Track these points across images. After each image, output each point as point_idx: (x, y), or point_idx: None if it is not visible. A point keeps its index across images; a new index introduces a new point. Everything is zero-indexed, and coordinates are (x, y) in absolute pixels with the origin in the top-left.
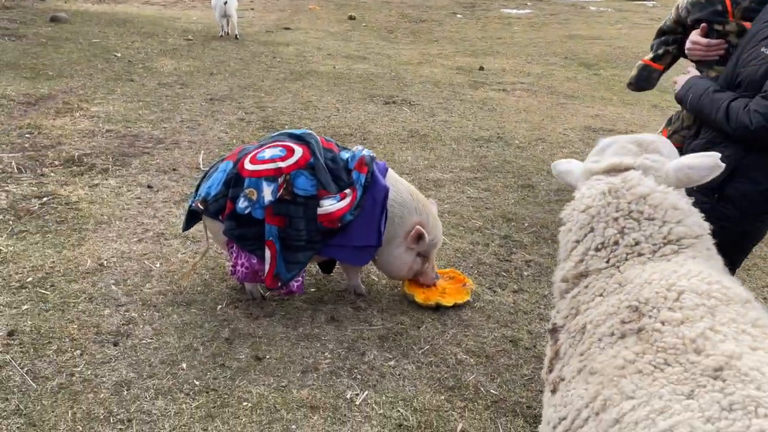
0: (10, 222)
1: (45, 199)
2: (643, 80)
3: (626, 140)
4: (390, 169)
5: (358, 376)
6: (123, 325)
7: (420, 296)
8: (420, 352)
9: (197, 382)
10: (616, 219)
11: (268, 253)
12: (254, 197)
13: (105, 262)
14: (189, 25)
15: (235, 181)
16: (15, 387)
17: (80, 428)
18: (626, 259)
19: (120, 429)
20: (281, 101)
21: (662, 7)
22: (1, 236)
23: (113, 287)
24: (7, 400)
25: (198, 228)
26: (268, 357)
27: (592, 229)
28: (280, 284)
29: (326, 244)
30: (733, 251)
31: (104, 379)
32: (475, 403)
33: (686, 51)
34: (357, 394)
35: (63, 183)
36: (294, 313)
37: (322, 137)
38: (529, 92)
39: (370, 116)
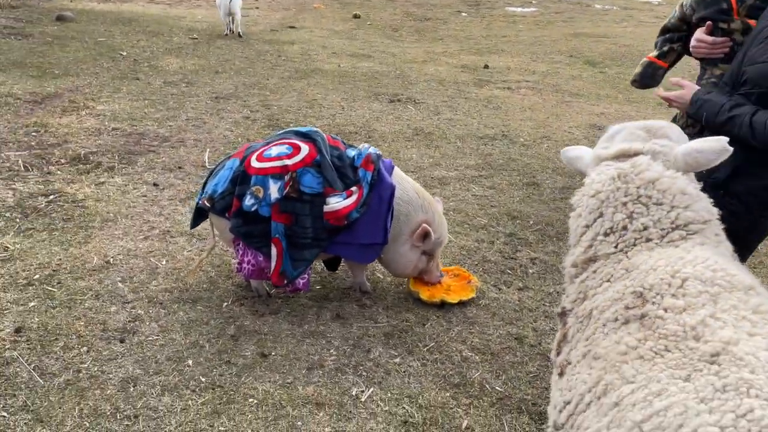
0: (17, 220)
1: (51, 197)
2: (648, 77)
3: (635, 126)
4: (396, 167)
5: (364, 373)
6: (129, 322)
7: (425, 293)
8: (425, 349)
9: (203, 379)
10: (624, 204)
11: (274, 251)
12: (261, 195)
13: (111, 259)
14: (194, 23)
15: (242, 178)
16: (22, 383)
17: (87, 424)
18: (634, 245)
19: (126, 425)
20: (286, 99)
21: (667, 5)
22: (8, 234)
23: (119, 284)
24: (14, 396)
25: (204, 225)
26: (273, 354)
27: (601, 214)
28: (286, 281)
29: (332, 241)
30: (738, 247)
31: (111, 375)
32: (481, 400)
33: (691, 49)
34: (362, 391)
35: (69, 181)
36: (299, 310)
37: (329, 135)
38: (534, 90)
39: (375, 114)
